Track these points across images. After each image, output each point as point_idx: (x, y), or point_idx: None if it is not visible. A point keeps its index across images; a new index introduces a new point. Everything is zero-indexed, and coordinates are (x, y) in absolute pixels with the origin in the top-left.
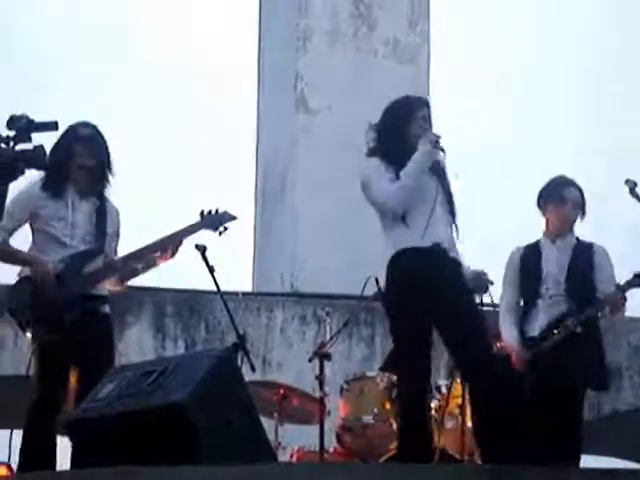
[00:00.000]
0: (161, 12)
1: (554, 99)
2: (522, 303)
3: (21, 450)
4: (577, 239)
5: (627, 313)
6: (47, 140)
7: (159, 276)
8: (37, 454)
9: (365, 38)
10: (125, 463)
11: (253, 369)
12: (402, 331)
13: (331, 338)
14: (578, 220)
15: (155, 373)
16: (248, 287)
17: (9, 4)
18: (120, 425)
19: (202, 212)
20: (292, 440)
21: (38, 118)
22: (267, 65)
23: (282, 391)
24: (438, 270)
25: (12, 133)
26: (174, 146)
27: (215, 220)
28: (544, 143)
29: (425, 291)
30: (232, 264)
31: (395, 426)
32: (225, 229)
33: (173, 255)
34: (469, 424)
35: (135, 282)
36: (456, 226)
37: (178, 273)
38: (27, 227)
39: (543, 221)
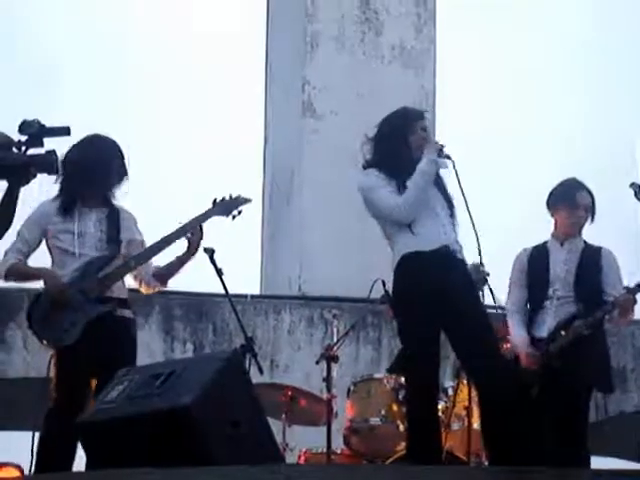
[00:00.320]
0: (167, 17)
1: (563, 102)
2: (529, 304)
3: (38, 455)
4: (585, 242)
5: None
6: (58, 145)
7: None
8: (53, 460)
9: (372, 43)
10: (134, 465)
11: (261, 371)
12: (411, 334)
13: (338, 340)
14: (587, 224)
15: (163, 375)
16: (256, 290)
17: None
18: (128, 427)
19: (215, 200)
20: (300, 442)
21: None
22: (275, 70)
23: (290, 393)
24: (445, 273)
25: (24, 138)
26: (181, 150)
27: (228, 205)
28: (552, 147)
29: (433, 294)
30: (240, 267)
31: (402, 427)
32: (239, 212)
33: (197, 247)
34: (475, 426)
35: (135, 284)
36: (456, 229)
37: (186, 276)
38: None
39: (552, 222)
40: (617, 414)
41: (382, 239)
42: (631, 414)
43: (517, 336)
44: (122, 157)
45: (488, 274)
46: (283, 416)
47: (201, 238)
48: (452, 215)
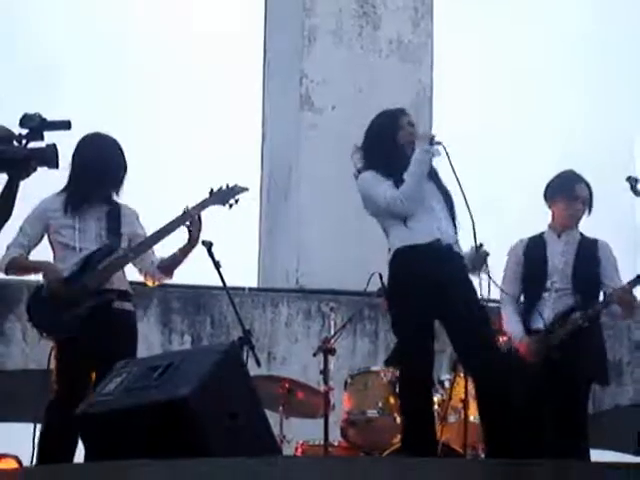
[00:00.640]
0: (166, 16)
1: (561, 97)
2: (526, 296)
3: (39, 447)
4: (581, 234)
5: None
6: (58, 139)
7: None
8: (54, 452)
9: (369, 37)
10: (132, 457)
11: (258, 363)
12: (405, 327)
13: (335, 333)
14: (584, 216)
15: (161, 368)
16: (253, 283)
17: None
18: (126, 419)
19: (211, 190)
20: (297, 434)
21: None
22: (272, 64)
23: (287, 385)
24: (440, 265)
25: (25, 131)
26: (179, 147)
27: (225, 195)
28: (551, 141)
29: (427, 287)
30: (238, 260)
31: (399, 420)
32: (236, 201)
33: (197, 236)
34: (472, 418)
35: (140, 278)
36: (454, 220)
37: (184, 269)
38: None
39: (549, 213)
40: (612, 407)
41: (379, 233)
42: (626, 407)
43: (512, 327)
44: (122, 155)
45: (488, 254)
46: (280, 408)
47: (200, 228)
48: (450, 210)
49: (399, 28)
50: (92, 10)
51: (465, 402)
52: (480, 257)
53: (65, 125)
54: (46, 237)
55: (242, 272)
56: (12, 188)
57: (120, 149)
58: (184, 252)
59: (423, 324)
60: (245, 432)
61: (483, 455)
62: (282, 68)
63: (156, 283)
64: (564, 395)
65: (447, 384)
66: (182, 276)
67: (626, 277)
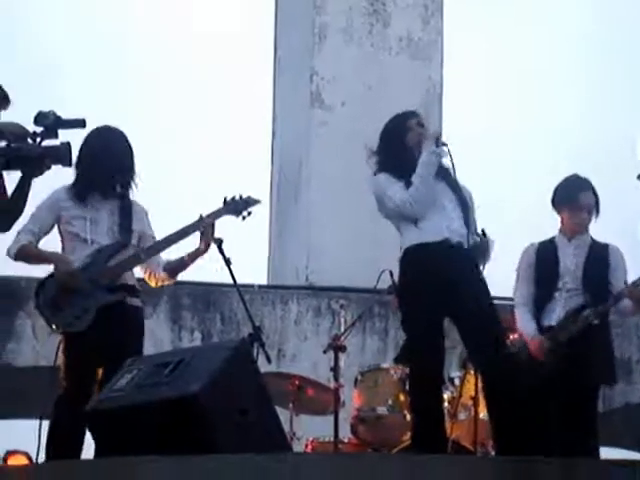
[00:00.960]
0: (170, 16)
1: (564, 96)
2: (538, 296)
3: (47, 444)
4: (592, 239)
5: None
6: (72, 137)
7: None
8: (63, 448)
9: (379, 35)
10: (142, 453)
11: (269, 360)
12: (415, 325)
13: (345, 330)
14: (592, 221)
15: (172, 364)
16: (263, 280)
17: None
18: (137, 415)
19: (225, 199)
20: (307, 431)
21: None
22: (283, 61)
23: (297, 382)
24: (450, 263)
25: (39, 129)
26: (190, 142)
27: (238, 205)
28: (559, 139)
29: (437, 284)
30: (248, 257)
31: (409, 417)
32: (249, 214)
33: (208, 245)
34: (482, 416)
35: (143, 276)
36: (467, 220)
37: (195, 266)
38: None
39: (558, 219)
40: (622, 405)
41: (389, 231)
42: (636, 405)
43: (525, 326)
44: (130, 147)
45: (493, 241)
46: (290, 405)
47: (212, 237)
48: (463, 208)
49: (409, 26)
50: (92, 10)
51: (475, 399)
52: (484, 247)
53: (80, 123)
54: (55, 228)
55: (252, 269)
56: (25, 185)
57: (127, 141)
58: (192, 257)
59: (433, 322)
60: (255, 429)
61: (493, 452)
62: (292, 65)
63: (159, 284)
64: (574, 393)
65: (457, 381)
66: (192, 273)
67: (633, 277)
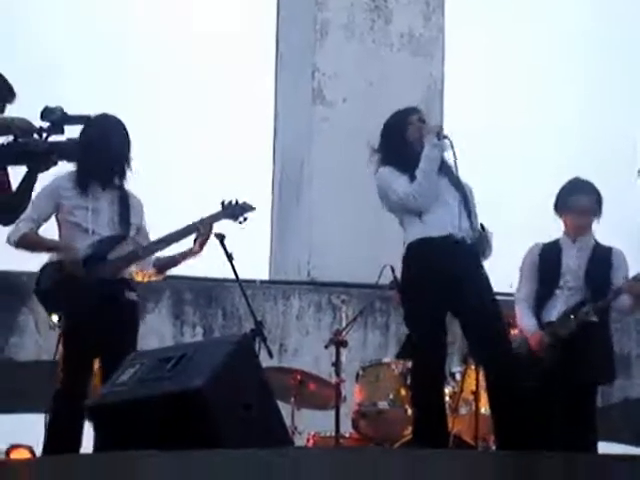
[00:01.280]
0: (172, 16)
1: (570, 91)
2: (540, 293)
3: (46, 437)
4: (596, 241)
5: None
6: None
7: None
8: (62, 441)
9: (381, 31)
10: (144, 448)
11: (271, 355)
12: (418, 320)
13: (347, 326)
14: (595, 221)
15: (174, 359)
16: (265, 275)
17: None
18: (140, 410)
19: (223, 202)
20: (308, 425)
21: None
22: (285, 58)
23: (299, 377)
24: (453, 259)
25: (46, 124)
26: (191, 140)
27: (236, 210)
28: (559, 135)
29: (440, 280)
30: (250, 252)
31: (410, 412)
32: (245, 219)
33: (202, 247)
34: (483, 410)
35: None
36: (470, 215)
37: (196, 261)
38: (54, 221)
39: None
40: (621, 400)
41: (391, 226)
42: (635, 400)
43: (525, 322)
44: (127, 134)
45: (492, 233)
46: (292, 400)
47: (208, 239)
48: (466, 204)
49: (410, 22)
50: (92, 10)
51: (476, 394)
52: (484, 238)
53: (86, 120)
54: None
55: (254, 265)
56: (31, 180)
57: (124, 128)
58: (184, 257)
59: (436, 318)
60: (257, 423)
61: (494, 447)
62: (294, 62)
63: (145, 280)
64: (572, 388)
65: (458, 376)
66: (194, 268)
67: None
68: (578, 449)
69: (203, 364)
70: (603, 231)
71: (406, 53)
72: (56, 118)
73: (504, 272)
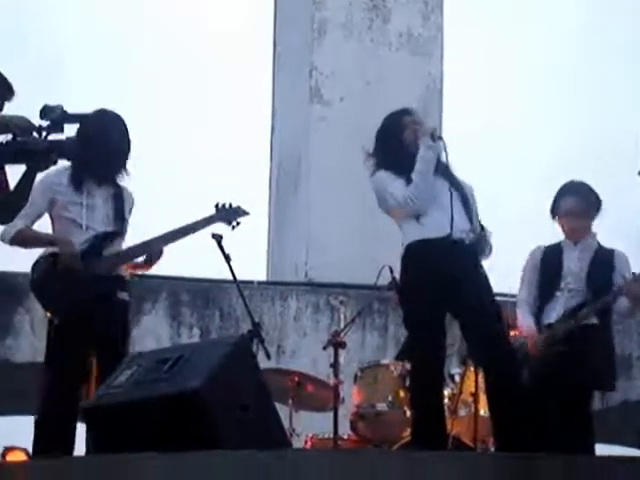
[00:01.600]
0: (174, 15)
1: (569, 90)
2: (540, 295)
3: (35, 436)
4: (598, 243)
5: None
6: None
7: (175, 265)
8: (52, 440)
9: (379, 30)
10: (141, 450)
11: (268, 356)
12: (417, 321)
13: (345, 327)
14: (592, 223)
15: (171, 360)
16: (263, 276)
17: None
18: (137, 412)
19: (217, 205)
20: (306, 427)
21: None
22: (282, 57)
23: (297, 378)
24: (451, 259)
25: (45, 123)
26: (189, 138)
27: (229, 214)
28: (559, 135)
29: (439, 281)
30: (247, 253)
31: (409, 414)
32: (238, 224)
33: (152, 264)
34: (482, 412)
35: (151, 271)
36: (470, 215)
37: (193, 262)
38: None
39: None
40: (621, 402)
41: (389, 226)
42: (635, 402)
43: (525, 324)
44: (126, 129)
45: (490, 232)
46: (290, 401)
47: (160, 257)
48: (464, 204)
49: (409, 21)
50: (92, 10)
51: (475, 396)
52: (482, 237)
53: (85, 118)
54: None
55: (251, 265)
56: (28, 179)
57: (123, 124)
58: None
59: (435, 319)
60: (255, 425)
61: (493, 449)
62: (292, 61)
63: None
64: (571, 391)
65: (457, 378)
66: (191, 269)
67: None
68: (575, 451)
69: (200, 365)
70: (603, 231)
71: (405, 52)
72: (56, 116)
73: (504, 272)
